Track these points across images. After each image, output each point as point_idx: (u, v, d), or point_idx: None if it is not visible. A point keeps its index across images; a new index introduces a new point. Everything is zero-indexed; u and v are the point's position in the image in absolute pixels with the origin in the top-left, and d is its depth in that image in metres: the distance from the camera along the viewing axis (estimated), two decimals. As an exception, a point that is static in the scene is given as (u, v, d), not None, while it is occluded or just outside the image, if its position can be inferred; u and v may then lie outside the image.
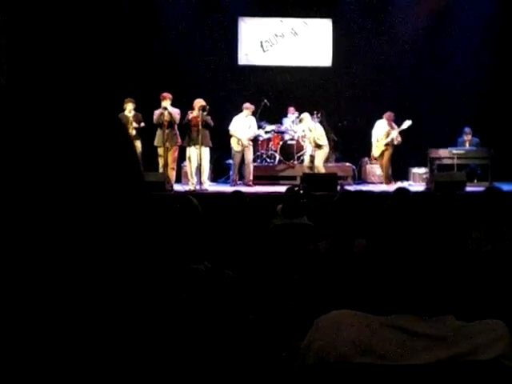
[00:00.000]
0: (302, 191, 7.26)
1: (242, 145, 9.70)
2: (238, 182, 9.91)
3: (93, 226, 0.60)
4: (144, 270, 0.65)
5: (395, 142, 9.82)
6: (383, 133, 9.85)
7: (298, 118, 10.79)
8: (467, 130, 10.53)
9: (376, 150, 9.99)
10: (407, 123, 9.75)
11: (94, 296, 0.60)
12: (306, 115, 9.93)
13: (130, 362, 0.62)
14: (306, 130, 9.93)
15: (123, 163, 0.65)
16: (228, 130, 9.75)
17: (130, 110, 9.30)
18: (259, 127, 10.40)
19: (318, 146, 9.79)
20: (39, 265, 0.58)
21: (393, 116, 9.91)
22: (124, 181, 0.64)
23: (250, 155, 9.90)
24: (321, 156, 9.88)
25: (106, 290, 0.61)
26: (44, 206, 0.58)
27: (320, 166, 9.80)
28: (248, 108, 9.73)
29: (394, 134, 9.77)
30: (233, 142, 9.71)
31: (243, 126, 9.71)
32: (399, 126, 9.83)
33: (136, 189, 0.66)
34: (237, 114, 9.81)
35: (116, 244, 0.62)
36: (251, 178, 9.88)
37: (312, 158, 9.87)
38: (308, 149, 10.04)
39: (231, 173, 10.08)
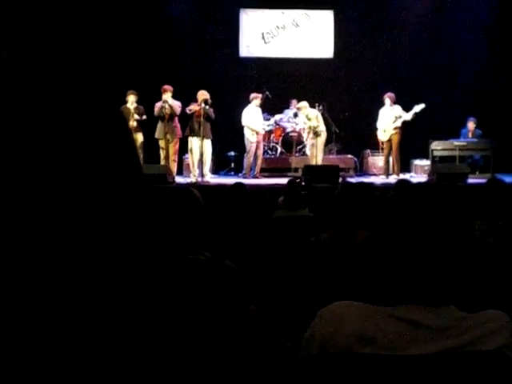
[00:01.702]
0: (303, 183, 7.26)
1: (258, 134, 9.72)
2: (244, 174, 9.85)
3: (91, 218, 0.60)
4: (143, 261, 0.65)
5: (409, 118, 9.50)
6: (391, 118, 9.65)
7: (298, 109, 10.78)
8: (472, 119, 10.43)
9: (384, 134, 9.75)
10: (420, 106, 9.47)
11: (93, 289, 0.60)
12: (304, 104, 9.88)
13: (131, 355, 0.62)
14: (305, 119, 9.88)
15: (121, 156, 0.65)
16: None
17: (131, 102, 9.27)
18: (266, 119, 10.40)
19: (316, 134, 9.75)
20: (38, 255, 0.58)
21: (394, 96, 9.75)
22: (122, 173, 0.64)
23: (262, 147, 9.92)
24: (320, 145, 9.85)
25: (105, 282, 0.61)
26: (41, 198, 0.58)
27: (320, 156, 9.77)
28: (256, 97, 9.71)
29: (408, 116, 9.52)
30: (248, 133, 9.68)
31: (256, 116, 9.72)
32: (407, 111, 9.64)
33: (134, 181, 0.65)
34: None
35: (115, 235, 0.62)
36: (259, 170, 9.88)
37: (313, 147, 9.86)
38: (309, 140, 9.99)
39: (245, 165, 9.97)
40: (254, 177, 9.70)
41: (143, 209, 0.66)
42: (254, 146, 9.70)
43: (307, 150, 10.16)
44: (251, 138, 9.67)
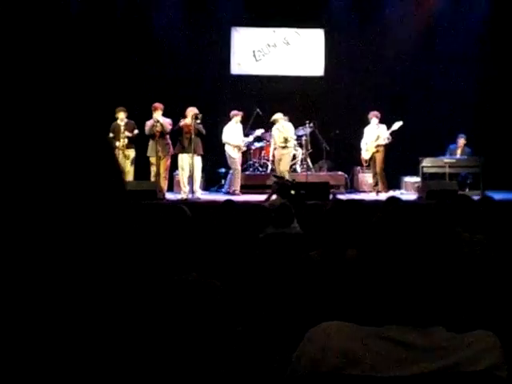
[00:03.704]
0: (289, 183, 7.29)
1: (240, 150, 9.74)
2: (230, 190, 9.86)
3: (75, 234, 0.60)
4: (128, 276, 0.65)
5: (386, 141, 9.75)
6: (374, 137, 9.83)
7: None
8: (462, 136, 10.47)
9: (366, 153, 9.96)
10: (398, 124, 9.75)
11: (77, 301, 0.60)
12: (279, 115, 9.90)
13: (119, 368, 0.62)
14: (281, 128, 9.84)
15: (105, 174, 0.65)
16: (221, 140, 9.76)
17: (121, 118, 9.31)
18: (247, 135, 10.38)
19: (285, 147, 9.76)
20: (19, 270, 0.58)
21: (379, 115, 9.88)
22: (105, 191, 0.64)
23: (240, 163, 9.98)
24: (287, 160, 9.88)
25: (89, 295, 0.60)
26: (27, 213, 0.58)
27: (286, 171, 9.73)
28: (237, 115, 9.78)
29: (385, 134, 9.74)
30: (229, 149, 9.71)
31: (236, 133, 9.76)
32: (389, 128, 9.83)
33: (117, 199, 0.65)
34: (226, 124, 9.85)
35: (99, 251, 0.62)
36: (239, 186, 9.89)
37: (279, 161, 9.85)
38: (276, 155, 9.96)
39: (227, 181, 10.01)
40: (233, 193, 9.66)
41: (126, 225, 0.66)
42: (237, 161, 9.73)
43: (276, 165, 10.04)
44: (232, 154, 9.71)
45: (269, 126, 11.14)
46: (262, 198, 9.18)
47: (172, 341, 1.32)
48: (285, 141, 9.76)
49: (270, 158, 10.79)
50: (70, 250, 0.60)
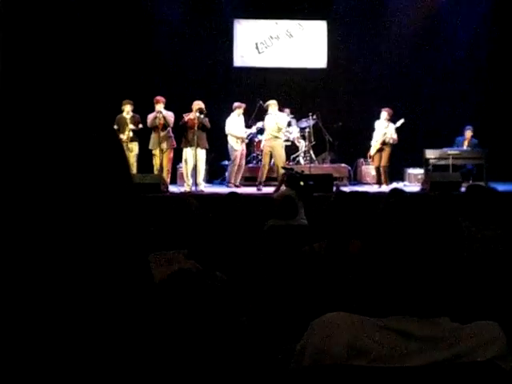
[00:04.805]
0: (298, 174, 7.28)
1: (242, 142, 9.71)
2: (228, 183, 9.83)
3: (84, 227, 0.60)
4: (134, 268, 0.65)
5: (391, 141, 9.73)
6: (381, 133, 9.80)
7: (293, 118, 10.79)
8: (469, 127, 10.38)
9: (372, 148, 9.93)
10: (400, 121, 9.73)
11: (85, 295, 0.60)
12: (273, 101, 9.69)
13: (124, 363, 0.62)
14: (274, 116, 9.59)
15: (113, 168, 0.65)
16: (224, 132, 9.74)
17: (127, 111, 9.33)
18: (250, 126, 10.34)
19: (276, 137, 9.55)
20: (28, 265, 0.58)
21: (391, 112, 9.83)
22: (114, 184, 0.64)
23: (244, 156, 9.94)
24: (279, 152, 9.55)
25: (96, 288, 0.61)
26: (37, 208, 0.58)
27: (280, 167, 9.35)
28: (239, 107, 9.71)
29: (389, 131, 9.69)
30: (232, 141, 9.67)
31: (239, 125, 9.72)
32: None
33: (125, 192, 0.65)
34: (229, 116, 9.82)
35: (106, 242, 0.62)
36: (238, 179, 9.85)
37: (271, 154, 9.63)
38: (267, 143, 9.69)
39: (227, 173, 10.01)
40: (235, 186, 9.60)
41: (133, 217, 0.66)
42: (239, 153, 9.69)
43: (264, 160, 9.81)
44: (235, 146, 9.65)
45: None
46: (264, 189, 9.18)
47: (175, 333, 1.32)
48: (278, 130, 9.58)
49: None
50: (77, 241, 0.60)
